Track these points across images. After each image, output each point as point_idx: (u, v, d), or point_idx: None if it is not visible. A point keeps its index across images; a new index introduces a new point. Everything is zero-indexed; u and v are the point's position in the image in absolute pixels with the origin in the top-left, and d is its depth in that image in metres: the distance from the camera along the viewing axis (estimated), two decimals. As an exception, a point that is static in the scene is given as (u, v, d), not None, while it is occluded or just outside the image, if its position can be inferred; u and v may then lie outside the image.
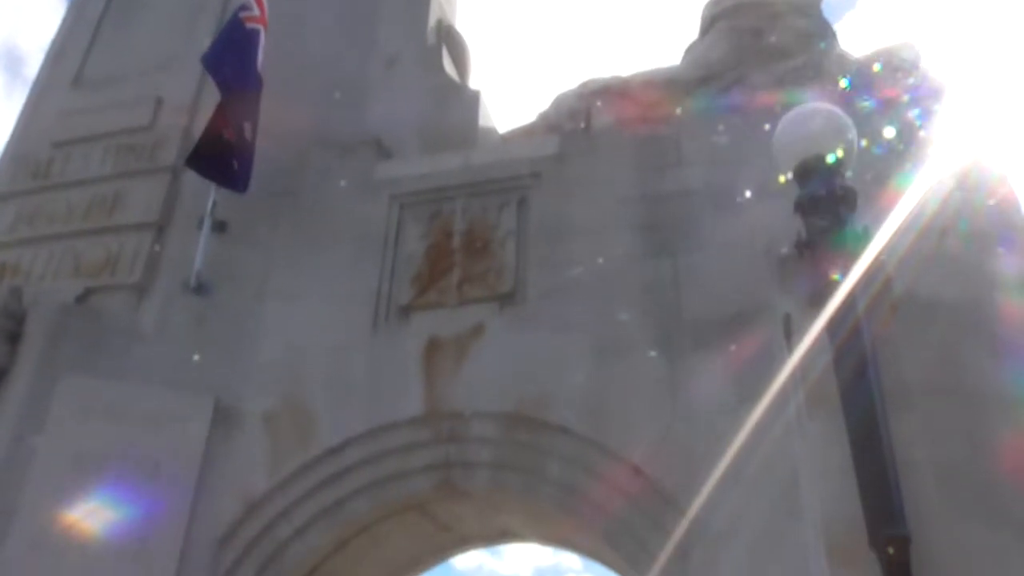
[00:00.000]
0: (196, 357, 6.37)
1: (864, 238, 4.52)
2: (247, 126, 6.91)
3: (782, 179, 4.91)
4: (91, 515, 5.62)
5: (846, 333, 4.31)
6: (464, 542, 7.36)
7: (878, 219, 4.65)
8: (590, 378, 5.81)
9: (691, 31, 7.86)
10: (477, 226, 6.66)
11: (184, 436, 6.06)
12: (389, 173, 7.26)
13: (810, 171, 4.67)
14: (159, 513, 5.79)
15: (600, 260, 6.20)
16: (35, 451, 5.80)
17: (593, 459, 5.66)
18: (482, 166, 7.02)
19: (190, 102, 7.80)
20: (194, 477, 5.95)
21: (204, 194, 6.98)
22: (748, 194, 5.90)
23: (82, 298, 6.75)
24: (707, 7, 8.12)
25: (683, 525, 5.23)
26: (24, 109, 8.62)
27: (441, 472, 6.11)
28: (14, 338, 6.25)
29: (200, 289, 6.66)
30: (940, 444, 4.13)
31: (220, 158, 6.84)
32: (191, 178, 7.22)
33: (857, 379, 4.11)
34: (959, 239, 4.98)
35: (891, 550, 3.56)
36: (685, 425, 5.44)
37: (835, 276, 4.46)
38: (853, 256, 4.47)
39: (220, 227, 6.92)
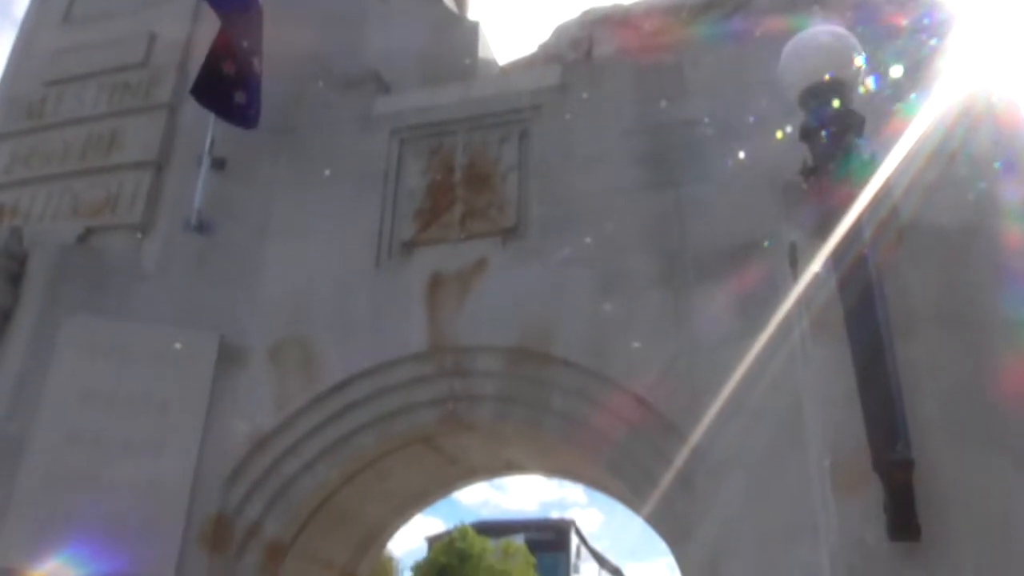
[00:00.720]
0: (199, 295, 6.36)
1: (871, 165, 4.46)
2: (255, 61, 6.79)
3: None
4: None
5: (852, 261, 4.27)
6: (470, 474, 7.47)
7: (885, 146, 4.58)
8: (593, 311, 5.81)
9: (694, -43, 7.62)
10: (478, 160, 6.58)
11: (190, 374, 6.10)
12: (389, 107, 7.16)
13: (816, 96, 4.57)
14: (168, 449, 5.86)
15: (603, 192, 6.15)
16: (42, 390, 5.83)
17: (596, 390, 5.69)
18: (482, 99, 6.91)
19: (184, 38, 7.64)
20: (202, 414, 6.01)
21: (202, 131, 6.88)
22: (753, 122, 5.80)
23: (83, 238, 6.72)
24: (710, -69, 7.88)
25: (686, 454, 5.29)
26: (14, 48, 8.45)
27: (446, 406, 6.16)
28: (16, 279, 6.24)
29: (201, 227, 6.61)
30: (944, 370, 4.13)
31: (221, 91, 6.72)
32: (188, 115, 7.13)
33: (862, 306, 4.08)
34: (966, 166, 4.92)
35: (895, 474, 3.58)
36: (688, 356, 5.45)
37: (840, 203, 4.42)
38: (859, 183, 4.41)
39: (219, 164, 6.85)
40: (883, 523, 3.67)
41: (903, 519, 3.60)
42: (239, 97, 6.73)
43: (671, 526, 5.49)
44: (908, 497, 3.62)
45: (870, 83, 5.08)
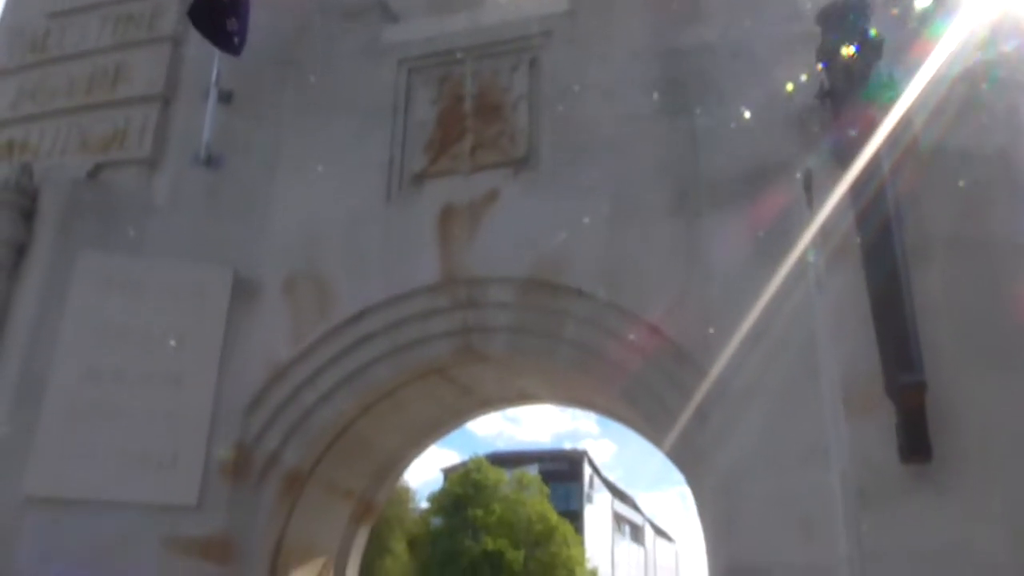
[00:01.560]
0: (210, 229, 6.37)
1: (891, 88, 4.37)
2: None
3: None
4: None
5: (870, 187, 4.23)
6: (484, 405, 7.56)
7: (908, 70, 4.48)
8: (606, 240, 5.79)
9: None
10: (488, 89, 6.49)
11: (205, 307, 6.15)
12: (396, 37, 7.03)
13: (835, 16, 4.46)
14: (187, 382, 5.94)
15: (615, 120, 6.06)
16: (60, 326, 5.89)
17: (609, 320, 5.70)
18: (491, 26, 6.77)
19: (185, -33, 7.48)
20: (218, 347, 6.08)
21: (208, 64, 6.79)
22: (769, 46, 5.66)
23: (92, 173, 6.70)
24: None
25: (700, 383, 5.32)
26: (14, -22, 8.31)
27: (460, 337, 6.20)
28: (28, 215, 6.25)
29: (210, 161, 6.58)
30: (959, 294, 4.12)
31: (217, 16, 6.59)
32: (193, 48, 7.02)
33: (879, 233, 4.07)
34: (990, 91, 4.82)
35: (907, 397, 3.59)
36: (702, 285, 5.44)
37: (859, 128, 4.35)
38: (879, 107, 4.33)
39: (226, 97, 6.77)
40: (894, 445, 3.72)
41: (915, 441, 3.64)
42: (231, 24, 6.61)
43: (685, 453, 5.56)
44: (920, 420, 3.65)
45: (892, 6, 4.95)
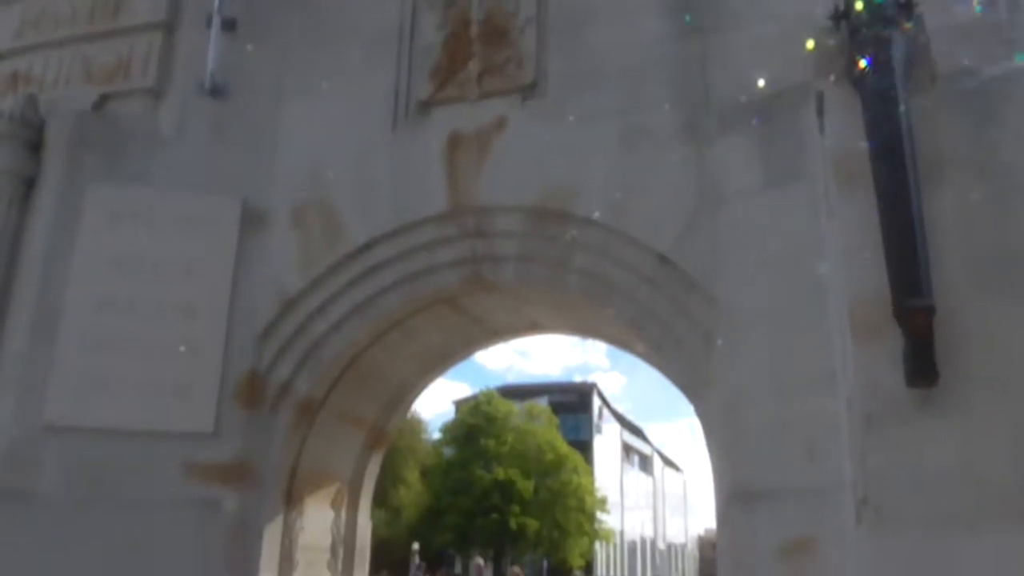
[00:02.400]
0: (218, 159, 6.35)
1: (905, 7, 4.26)
2: None
3: None
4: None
5: (883, 110, 4.15)
6: (494, 335, 7.61)
7: (922, -13, 4.36)
8: (615, 168, 5.75)
9: None
10: (495, 13, 6.36)
11: (215, 238, 6.17)
12: (401, -40, 6.87)
13: (850, -65, 4.32)
14: (199, 311, 6.00)
15: (625, 45, 5.94)
16: (72, 257, 5.93)
17: (618, 248, 5.70)
18: (498, -52, 6.59)
19: None
20: (229, 277, 6.12)
21: (210, -10, 6.67)
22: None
23: (98, 104, 6.66)
24: None
25: (709, 312, 5.33)
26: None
27: (468, 266, 6.21)
28: (35, 147, 6.24)
29: (216, 91, 6.51)
30: (970, 219, 4.08)
31: None
32: (195, -27, 6.89)
33: (890, 155, 4.01)
34: (1007, 8, 4.69)
35: (915, 321, 3.60)
36: (712, 212, 5.41)
37: (873, 51, 4.25)
38: (893, 29, 4.23)
39: (229, 25, 6.65)
40: (901, 370, 3.72)
41: (921, 365, 3.65)
42: None
43: (692, 380, 5.61)
44: (927, 344, 3.65)
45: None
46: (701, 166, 5.53)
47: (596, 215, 5.71)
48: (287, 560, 6.32)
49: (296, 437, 6.37)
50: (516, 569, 21.34)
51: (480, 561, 20.57)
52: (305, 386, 6.26)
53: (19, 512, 5.54)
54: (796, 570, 4.53)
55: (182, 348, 5.86)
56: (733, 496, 5.01)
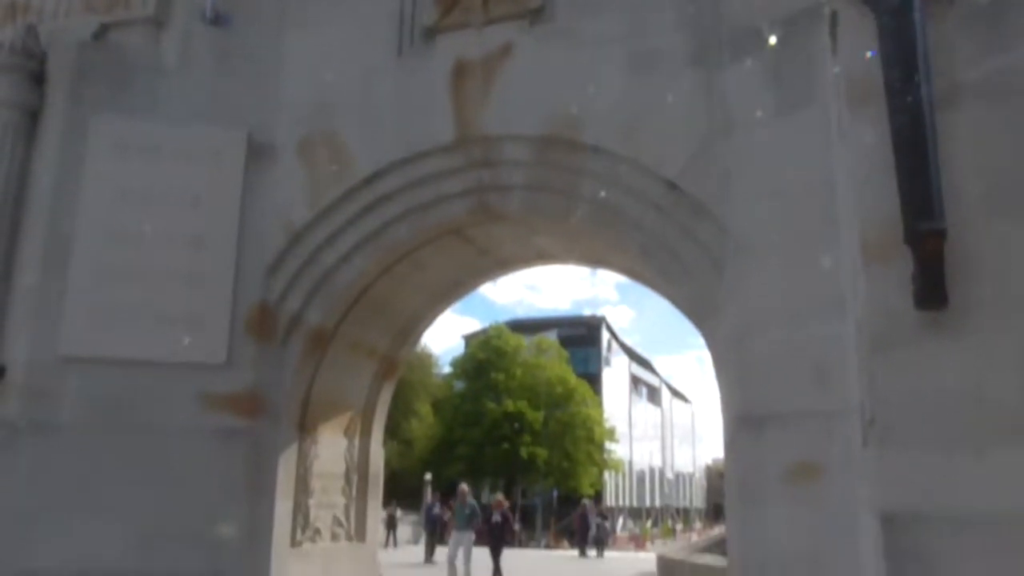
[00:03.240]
0: (222, 90, 6.28)
1: (923, -79, 4.12)
2: None
3: None
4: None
5: (897, 30, 4.05)
6: (502, 265, 7.62)
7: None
8: (623, 94, 5.66)
9: None
10: (501, -65, 6.18)
11: (221, 169, 6.15)
12: None
13: None
14: (208, 243, 6.01)
15: (634, -34, 5.79)
16: (80, 189, 5.93)
17: (627, 176, 5.65)
18: None
19: None
20: (236, 209, 6.12)
21: (208, -86, 6.51)
22: None
23: (98, 35, 6.56)
24: None
25: (719, 238, 5.31)
26: None
27: (476, 196, 6.19)
28: (38, 78, 6.18)
29: (217, 20, 6.42)
30: (985, 141, 4.01)
31: None
32: None
33: (904, 75, 3.92)
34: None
35: (926, 243, 3.57)
36: (722, 138, 5.34)
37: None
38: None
39: (229, -48, 6.53)
40: (911, 293, 3.71)
41: (931, 288, 3.63)
42: None
43: (700, 307, 5.61)
44: (938, 266, 3.63)
45: None
46: (711, 92, 5.44)
47: (604, 143, 5.64)
48: (303, 486, 6.46)
49: (308, 367, 6.44)
50: (499, 497, 21.68)
51: (464, 486, 20.78)
52: (316, 317, 6.31)
53: (41, 442, 5.67)
54: (802, 493, 4.61)
55: (191, 280, 5.89)
56: (741, 421, 5.07)
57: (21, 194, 5.99)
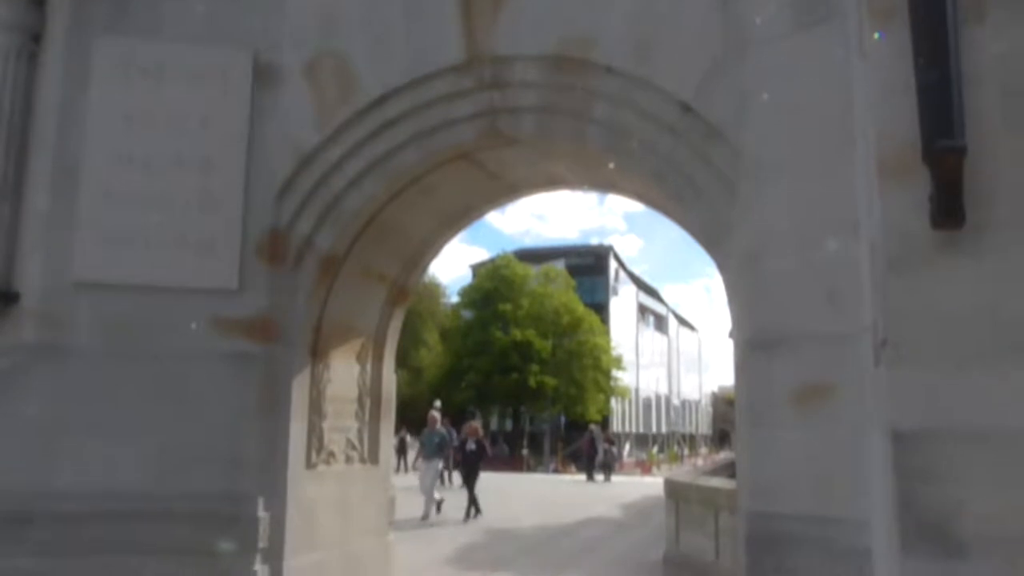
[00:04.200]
0: (226, 9, 6.15)
1: None
2: None
3: None
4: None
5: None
6: (513, 190, 7.56)
7: None
8: (635, 12, 5.53)
9: None
10: None
11: (228, 91, 6.06)
12: None
13: None
14: (217, 167, 5.97)
15: None
16: (86, 112, 5.87)
17: (640, 97, 5.56)
18: None
19: None
20: (244, 132, 6.06)
21: None
22: None
23: (97, -48, 6.38)
24: None
25: (732, 160, 5.25)
26: None
27: (486, 119, 6.10)
28: (39, 0, 6.05)
29: (220, -63, 6.23)
30: (1010, 59, 3.91)
31: None
32: None
33: (928, -11, 3.80)
34: None
35: (945, 161, 3.51)
36: (736, 56, 5.22)
37: None
38: None
39: None
40: (927, 212, 3.67)
41: (948, 207, 3.59)
42: None
43: (712, 230, 5.58)
44: (956, 185, 3.58)
45: None
46: (726, 9, 5.30)
47: (616, 63, 5.53)
48: (316, 409, 6.55)
49: (320, 292, 6.46)
50: (473, 423, 21.54)
51: (434, 413, 20.73)
52: (326, 242, 6.30)
53: (57, 366, 5.73)
54: (813, 414, 4.65)
55: (201, 205, 5.88)
56: (752, 344, 5.08)
57: (27, 119, 5.92)
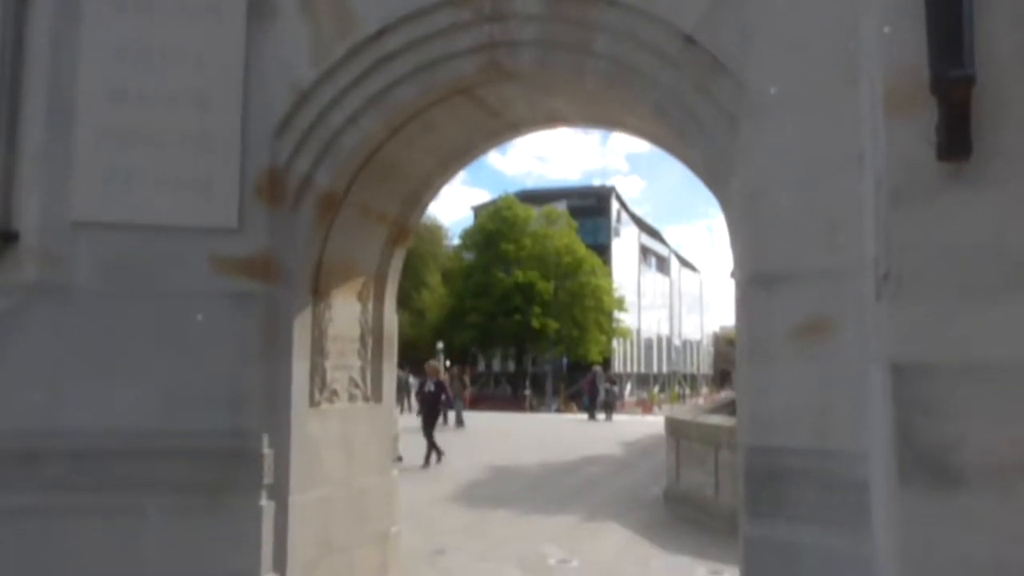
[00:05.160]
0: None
1: None
2: None
3: None
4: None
5: None
6: (513, 128, 7.47)
7: None
8: (640, -60, 5.37)
9: None
10: None
11: (222, 25, 5.93)
12: None
13: None
14: (213, 104, 5.89)
15: None
16: (78, 47, 5.76)
17: (642, 30, 5.45)
18: None
19: None
20: (240, 68, 5.95)
21: None
22: None
23: None
24: None
25: (736, 95, 5.17)
26: None
27: (486, 53, 5.98)
28: (25, -70, 5.89)
29: None
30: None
31: None
32: None
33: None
34: None
35: (954, 90, 3.45)
36: (742, -14, 5.10)
37: None
38: None
39: None
40: (933, 144, 3.62)
41: (955, 138, 3.54)
42: None
43: (715, 166, 5.52)
44: (964, 115, 3.52)
45: None
46: (732, -65, 5.16)
47: (619, -6, 5.40)
48: (319, 348, 6.58)
49: (320, 231, 6.43)
50: (433, 363, 21.38)
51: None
52: (325, 180, 6.24)
53: (59, 306, 5.73)
54: (813, 349, 4.67)
55: (197, 142, 5.81)
56: (753, 280, 5.08)
57: (19, 56, 5.81)
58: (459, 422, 28.18)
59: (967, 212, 3.55)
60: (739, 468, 5.16)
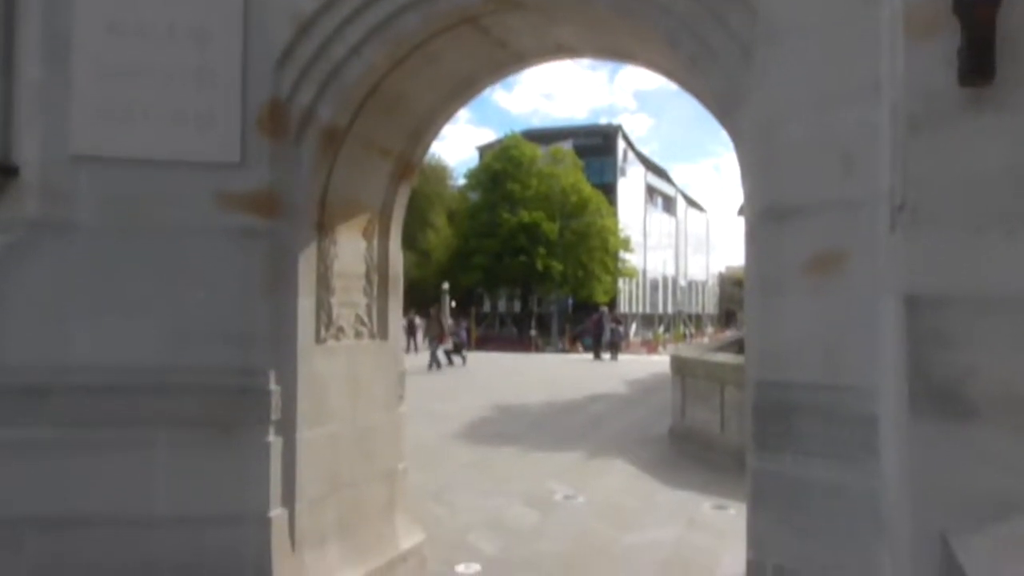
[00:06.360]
0: None
1: None
2: None
3: None
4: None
5: None
6: (520, 59, 7.29)
7: None
8: None
9: None
10: None
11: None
12: None
13: None
14: (213, 35, 5.74)
15: None
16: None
17: (654, -46, 5.26)
18: None
19: None
20: (239, -1, 5.79)
21: None
22: None
23: None
24: None
25: (749, 22, 5.02)
26: None
27: (491, -19, 5.80)
28: None
29: None
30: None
31: None
32: None
33: None
34: None
35: (978, 10, 3.32)
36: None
37: None
38: None
39: None
40: (954, 70, 3.50)
41: (978, 61, 3.41)
42: None
43: (726, 97, 5.38)
44: (988, 38, 3.39)
45: None
46: None
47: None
48: (324, 284, 6.54)
49: (323, 166, 6.34)
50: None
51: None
52: (328, 113, 6.12)
53: (62, 242, 5.68)
54: (824, 282, 4.60)
55: (197, 76, 5.69)
56: (763, 213, 4.98)
57: (12, -14, 5.66)
58: (432, 364, 28.94)
59: (987, 140, 3.44)
60: (747, 402, 5.14)
